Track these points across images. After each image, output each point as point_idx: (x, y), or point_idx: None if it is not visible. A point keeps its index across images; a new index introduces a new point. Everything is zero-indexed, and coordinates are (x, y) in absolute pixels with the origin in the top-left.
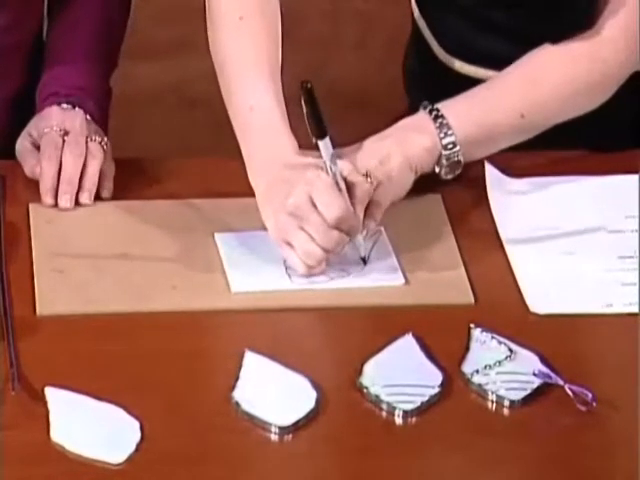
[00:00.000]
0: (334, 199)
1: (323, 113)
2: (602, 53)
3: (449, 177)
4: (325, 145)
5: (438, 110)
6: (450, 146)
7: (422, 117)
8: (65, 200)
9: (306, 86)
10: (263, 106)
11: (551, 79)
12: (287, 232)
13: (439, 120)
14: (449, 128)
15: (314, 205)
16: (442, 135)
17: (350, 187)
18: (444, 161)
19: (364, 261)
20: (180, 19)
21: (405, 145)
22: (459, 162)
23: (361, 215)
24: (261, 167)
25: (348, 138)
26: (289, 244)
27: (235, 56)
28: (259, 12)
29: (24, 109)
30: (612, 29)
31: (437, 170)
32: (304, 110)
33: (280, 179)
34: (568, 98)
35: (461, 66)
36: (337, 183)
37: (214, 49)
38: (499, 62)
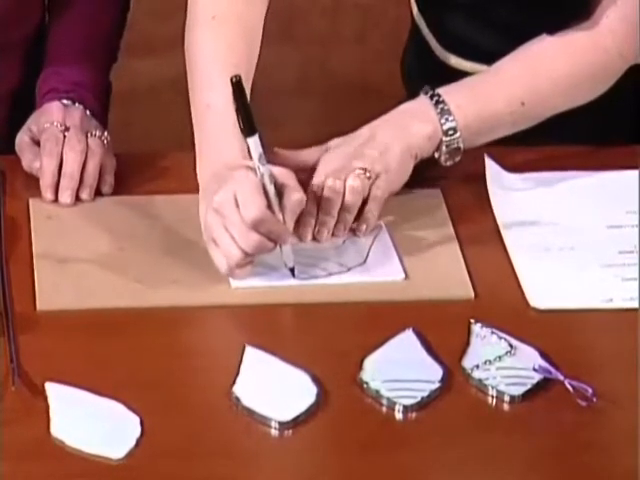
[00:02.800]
0: (254, 200)
1: (252, 109)
2: (602, 42)
3: (448, 164)
4: (254, 143)
5: (439, 96)
6: (451, 132)
7: (423, 102)
8: (66, 196)
9: (233, 80)
10: (219, 106)
11: (552, 68)
12: (212, 230)
13: (440, 106)
14: (450, 114)
15: (237, 204)
16: (443, 121)
17: (282, 194)
18: (444, 147)
19: (292, 272)
20: (178, 14)
21: (405, 132)
22: (459, 149)
23: (290, 223)
24: (206, 165)
25: (350, 131)
26: (215, 242)
27: (201, 53)
28: (234, 14)
29: (24, 104)
30: (610, 19)
31: (437, 156)
32: (234, 106)
33: (217, 177)
34: (569, 88)
35: (459, 62)
36: (264, 185)
37: (186, 46)
38: (497, 58)
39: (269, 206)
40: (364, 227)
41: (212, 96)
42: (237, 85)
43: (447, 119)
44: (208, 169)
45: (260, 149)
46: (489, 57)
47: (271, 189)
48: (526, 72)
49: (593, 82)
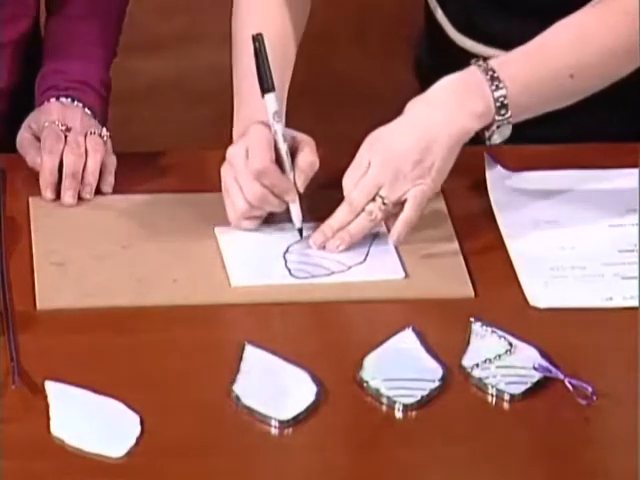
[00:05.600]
0: (261, 152)
1: (270, 68)
2: (637, 8)
3: (498, 142)
4: (270, 100)
5: (494, 71)
6: (503, 111)
7: (476, 76)
8: (69, 196)
9: (254, 37)
10: (253, 74)
11: (599, 37)
12: (225, 181)
13: (495, 82)
14: (505, 89)
15: (248, 157)
16: (497, 96)
17: (295, 152)
18: (495, 126)
19: (300, 233)
20: (181, 12)
21: (454, 119)
22: (509, 125)
23: (300, 183)
24: (237, 127)
25: (355, 129)
26: (227, 192)
27: (244, 27)
28: None
29: (21, 103)
30: None
31: (487, 135)
32: (255, 63)
33: (242, 134)
34: (612, 57)
35: (473, 46)
36: (276, 141)
37: (232, 23)
38: (513, 43)
39: (279, 163)
40: (396, 235)
41: (249, 65)
42: (258, 43)
43: (501, 95)
44: (239, 130)
45: (275, 107)
46: (504, 41)
47: (283, 147)
48: (574, 43)
49: (633, 51)
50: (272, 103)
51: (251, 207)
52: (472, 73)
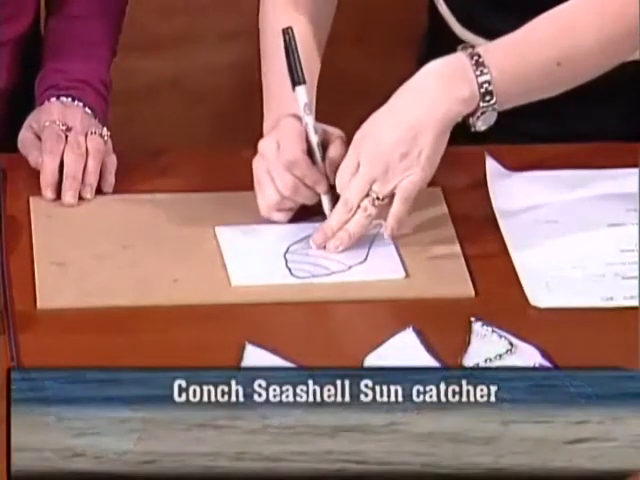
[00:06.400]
0: (292, 144)
1: (300, 60)
2: None
3: (483, 128)
4: (300, 93)
5: (479, 56)
6: (488, 98)
7: (462, 61)
8: (69, 196)
9: (284, 30)
10: (283, 69)
11: (588, 26)
12: (257, 173)
13: (480, 68)
14: (490, 76)
15: (279, 149)
16: (481, 81)
17: (326, 145)
18: (479, 113)
19: None
20: (180, 12)
21: (440, 105)
22: (494, 112)
23: (331, 175)
24: (269, 119)
25: (356, 128)
26: (259, 185)
27: (272, 23)
28: None
29: (21, 102)
30: None
31: (471, 122)
32: (285, 57)
33: (273, 127)
34: (603, 45)
35: (475, 39)
36: (307, 133)
37: (260, 19)
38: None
39: (310, 155)
40: (390, 226)
41: (278, 63)
42: (288, 36)
43: (485, 80)
44: (269, 124)
45: (306, 99)
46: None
47: (314, 138)
48: (563, 31)
49: (625, 39)
50: (303, 95)
51: (282, 198)
52: (458, 58)
